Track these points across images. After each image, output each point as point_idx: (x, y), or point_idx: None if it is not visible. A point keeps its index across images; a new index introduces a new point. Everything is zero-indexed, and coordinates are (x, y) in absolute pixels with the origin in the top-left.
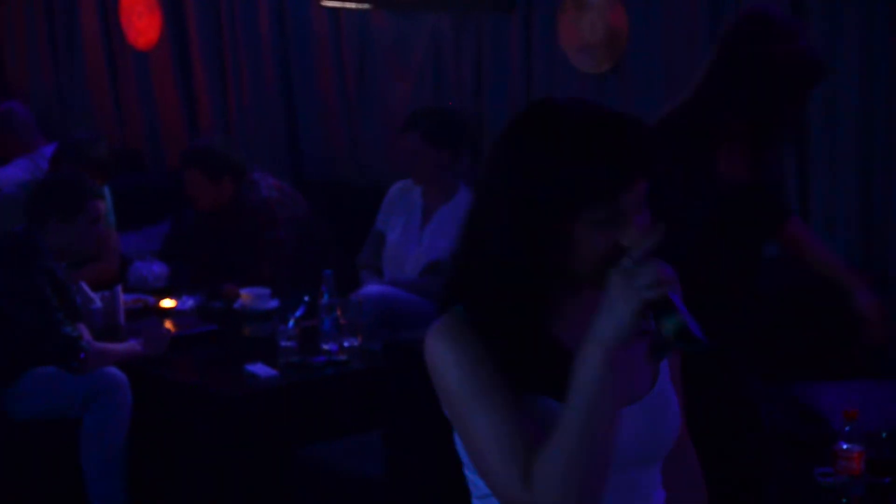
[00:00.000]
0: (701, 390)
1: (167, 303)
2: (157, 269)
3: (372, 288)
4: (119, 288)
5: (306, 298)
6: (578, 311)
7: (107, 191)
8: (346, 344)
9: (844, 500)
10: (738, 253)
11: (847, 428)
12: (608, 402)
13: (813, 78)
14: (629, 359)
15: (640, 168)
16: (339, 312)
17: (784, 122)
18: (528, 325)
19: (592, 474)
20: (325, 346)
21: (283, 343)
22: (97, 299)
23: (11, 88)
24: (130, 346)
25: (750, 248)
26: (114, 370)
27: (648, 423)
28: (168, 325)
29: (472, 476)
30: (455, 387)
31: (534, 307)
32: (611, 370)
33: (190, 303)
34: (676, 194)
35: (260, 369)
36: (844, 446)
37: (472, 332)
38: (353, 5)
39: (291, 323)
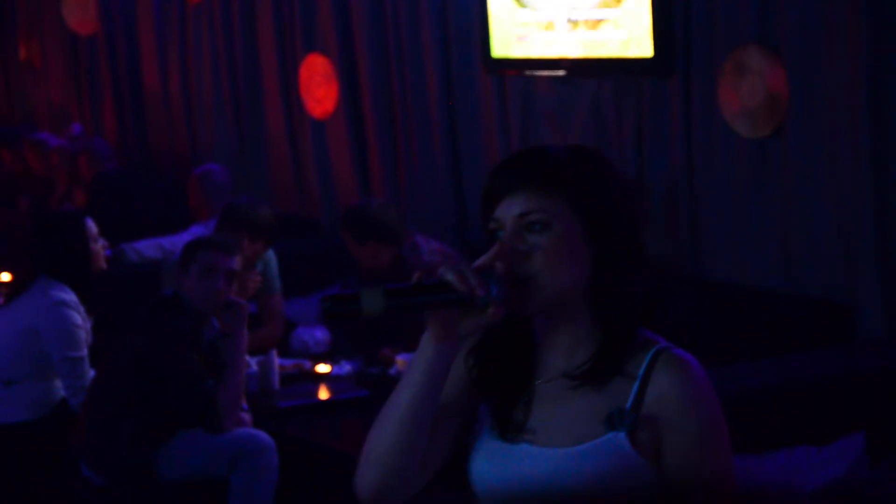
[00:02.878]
0: None
1: (323, 368)
2: (320, 335)
3: None
4: (274, 352)
5: None
6: (548, 338)
7: (272, 255)
8: None
9: None
10: None
11: None
12: (411, 390)
13: None
14: (576, 409)
15: (503, 186)
16: None
17: None
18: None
19: (384, 448)
20: None
21: None
22: (253, 363)
23: (200, 150)
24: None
25: None
26: (261, 434)
27: (555, 475)
28: (323, 390)
29: None
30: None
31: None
32: (422, 361)
33: (347, 368)
34: None
35: None
36: None
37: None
38: (516, 73)
39: None
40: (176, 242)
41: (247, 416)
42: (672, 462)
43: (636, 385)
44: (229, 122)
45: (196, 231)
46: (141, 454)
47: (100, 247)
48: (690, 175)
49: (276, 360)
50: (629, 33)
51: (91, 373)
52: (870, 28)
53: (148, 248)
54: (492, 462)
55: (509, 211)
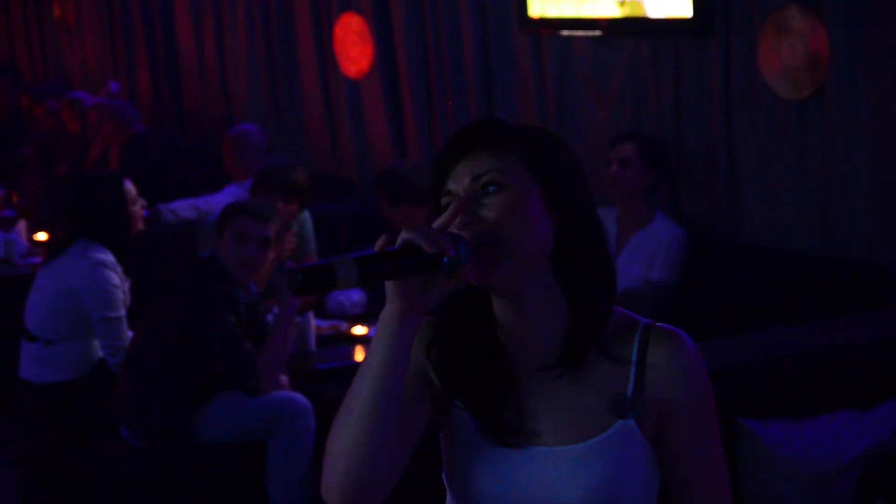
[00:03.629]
0: None
1: (359, 329)
2: (356, 297)
3: None
4: (310, 314)
5: None
6: (508, 323)
7: (308, 217)
8: None
9: None
10: None
11: None
12: (375, 370)
13: None
14: (579, 401)
15: (457, 150)
16: None
17: None
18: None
19: (351, 440)
20: None
21: None
22: None
23: (234, 111)
24: (279, 336)
25: None
26: (298, 396)
27: (575, 472)
28: (359, 352)
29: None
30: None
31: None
32: (384, 337)
33: None
34: None
35: None
36: None
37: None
38: (553, 32)
39: None
40: (211, 203)
41: (284, 378)
42: (682, 444)
43: (633, 369)
44: (264, 83)
45: (232, 191)
46: (179, 416)
47: (138, 208)
48: (729, 137)
49: (313, 322)
50: None
51: (129, 334)
52: None
53: (184, 208)
54: (498, 471)
55: (462, 177)
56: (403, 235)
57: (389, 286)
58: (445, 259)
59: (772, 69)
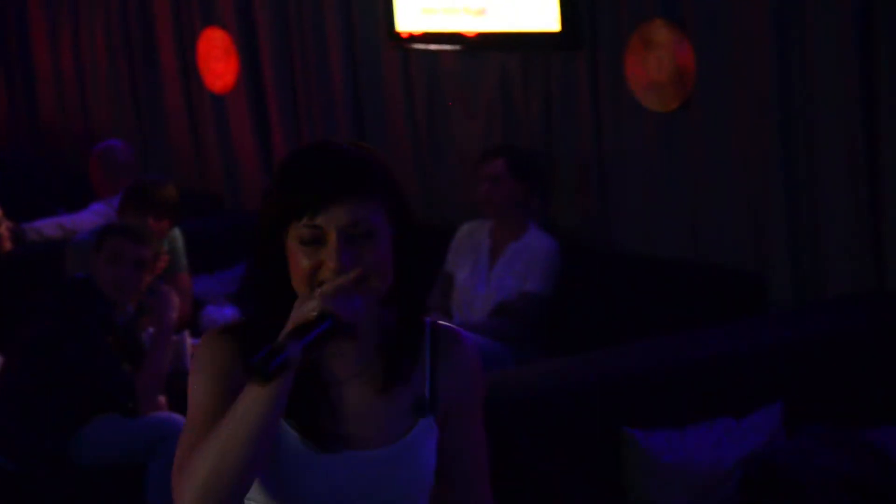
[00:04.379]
0: None
1: None
2: (229, 313)
3: None
4: (186, 333)
5: None
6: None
7: (178, 233)
8: None
9: None
10: None
11: None
12: (259, 411)
13: None
14: (383, 406)
15: (331, 192)
16: None
17: None
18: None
19: (224, 475)
20: None
21: None
22: None
23: (95, 127)
24: (156, 356)
25: None
26: (177, 417)
27: (383, 473)
28: None
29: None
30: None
31: (276, 321)
32: (261, 392)
33: None
34: None
35: None
36: None
37: (232, 341)
38: (421, 46)
39: None
40: (77, 221)
41: (162, 399)
42: (464, 430)
43: (427, 369)
44: (125, 99)
45: (97, 209)
46: (55, 439)
47: (4, 228)
48: (599, 149)
49: (189, 340)
50: (535, 7)
51: None
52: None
53: (48, 227)
54: (320, 475)
55: (336, 221)
56: (321, 305)
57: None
58: (347, 329)
59: (639, 82)
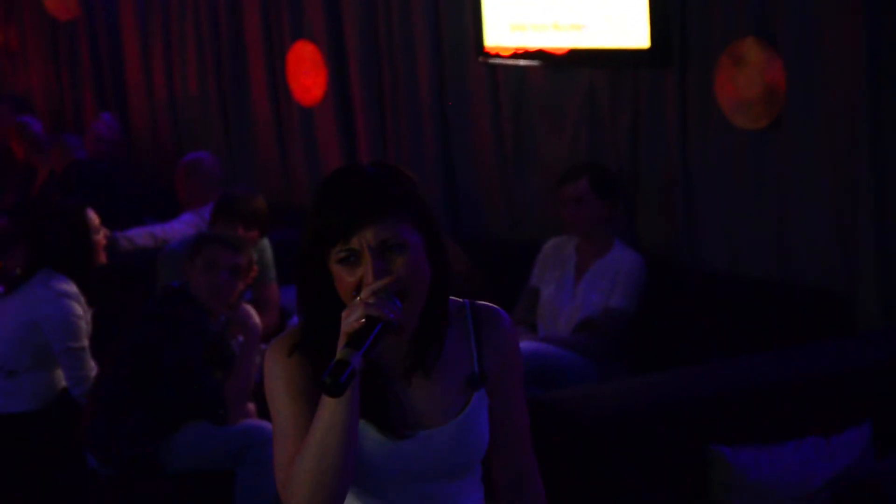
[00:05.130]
0: None
1: None
2: None
3: (525, 344)
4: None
5: None
6: (392, 346)
7: (267, 245)
8: None
9: None
10: None
11: None
12: (341, 419)
13: None
14: (441, 387)
15: (359, 218)
16: None
17: None
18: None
19: (327, 475)
20: None
21: None
22: None
23: (184, 139)
24: (245, 365)
25: None
26: (266, 425)
27: (451, 446)
28: None
29: None
30: (275, 393)
31: (332, 336)
32: (336, 404)
33: None
34: None
35: None
36: None
37: (299, 356)
38: (510, 62)
39: None
40: (168, 231)
41: (251, 407)
42: (510, 397)
43: (474, 346)
44: (215, 111)
45: (187, 219)
46: (147, 445)
47: (101, 237)
48: (686, 166)
49: None
50: (625, 24)
51: (92, 363)
52: (868, 19)
53: (140, 236)
54: (395, 458)
55: (367, 239)
56: (365, 312)
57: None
58: (392, 326)
59: (728, 100)
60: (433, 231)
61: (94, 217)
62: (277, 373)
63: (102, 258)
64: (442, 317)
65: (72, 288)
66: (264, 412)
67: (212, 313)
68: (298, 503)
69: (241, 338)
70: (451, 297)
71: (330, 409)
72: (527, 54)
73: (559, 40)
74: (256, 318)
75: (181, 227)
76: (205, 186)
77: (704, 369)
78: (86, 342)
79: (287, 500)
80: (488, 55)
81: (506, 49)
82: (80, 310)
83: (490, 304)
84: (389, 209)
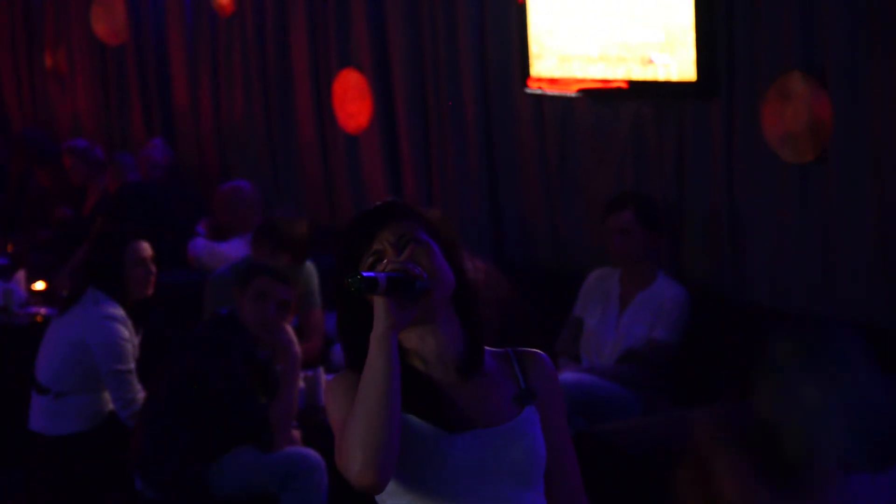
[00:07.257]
0: None
1: None
2: None
3: (569, 375)
4: (321, 369)
5: None
6: (427, 346)
7: (314, 270)
8: None
9: None
10: None
11: None
12: (381, 374)
13: None
14: (493, 396)
15: (377, 221)
16: None
17: None
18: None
19: (373, 429)
20: None
21: None
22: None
23: (230, 164)
24: (287, 391)
25: None
26: (311, 453)
27: (506, 444)
28: None
29: None
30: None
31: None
32: (383, 350)
33: None
34: None
35: None
36: None
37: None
38: (555, 93)
39: None
40: (225, 251)
41: (296, 434)
42: (555, 425)
43: (518, 373)
44: (261, 137)
45: (237, 245)
46: (195, 469)
47: (153, 269)
48: (731, 198)
49: (324, 377)
50: (673, 56)
51: (139, 387)
52: None
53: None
54: (452, 452)
55: (385, 239)
56: (392, 265)
57: (381, 307)
58: (419, 284)
59: (774, 133)
60: (451, 249)
61: (146, 248)
62: (342, 393)
63: (149, 291)
64: (477, 322)
65: (119, 312)
66: (310, 440)
67: (259, 342)
68: (351, 465)
69: (280, 366)
70: (493, 349)
71: (371, 367)
72: (573, 84)
73: (605, 72)
74: (297, 347)
75: (229, 251)
76: (248, 212)
77: (748, 403)
78: (132, 365)
79: (343, 466)
80: (534, 84)
81: (552, 80)
82: (127, 333)
83: (532, 349)
84: (404, 215)
